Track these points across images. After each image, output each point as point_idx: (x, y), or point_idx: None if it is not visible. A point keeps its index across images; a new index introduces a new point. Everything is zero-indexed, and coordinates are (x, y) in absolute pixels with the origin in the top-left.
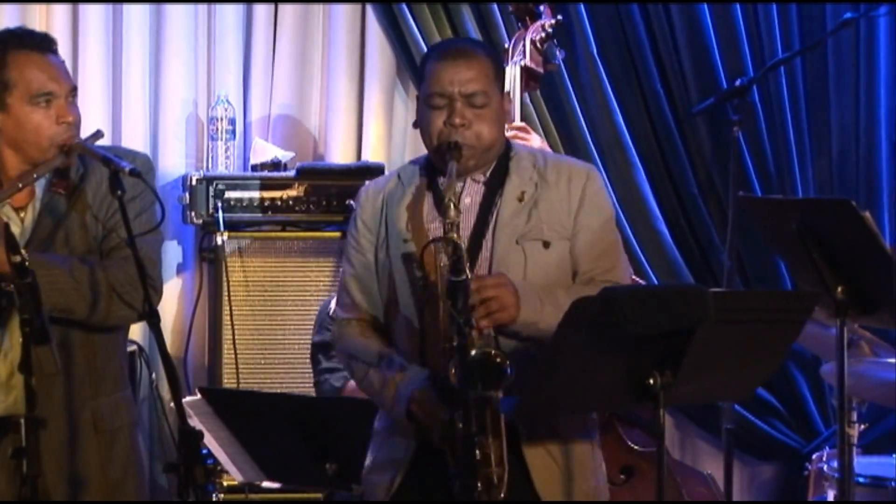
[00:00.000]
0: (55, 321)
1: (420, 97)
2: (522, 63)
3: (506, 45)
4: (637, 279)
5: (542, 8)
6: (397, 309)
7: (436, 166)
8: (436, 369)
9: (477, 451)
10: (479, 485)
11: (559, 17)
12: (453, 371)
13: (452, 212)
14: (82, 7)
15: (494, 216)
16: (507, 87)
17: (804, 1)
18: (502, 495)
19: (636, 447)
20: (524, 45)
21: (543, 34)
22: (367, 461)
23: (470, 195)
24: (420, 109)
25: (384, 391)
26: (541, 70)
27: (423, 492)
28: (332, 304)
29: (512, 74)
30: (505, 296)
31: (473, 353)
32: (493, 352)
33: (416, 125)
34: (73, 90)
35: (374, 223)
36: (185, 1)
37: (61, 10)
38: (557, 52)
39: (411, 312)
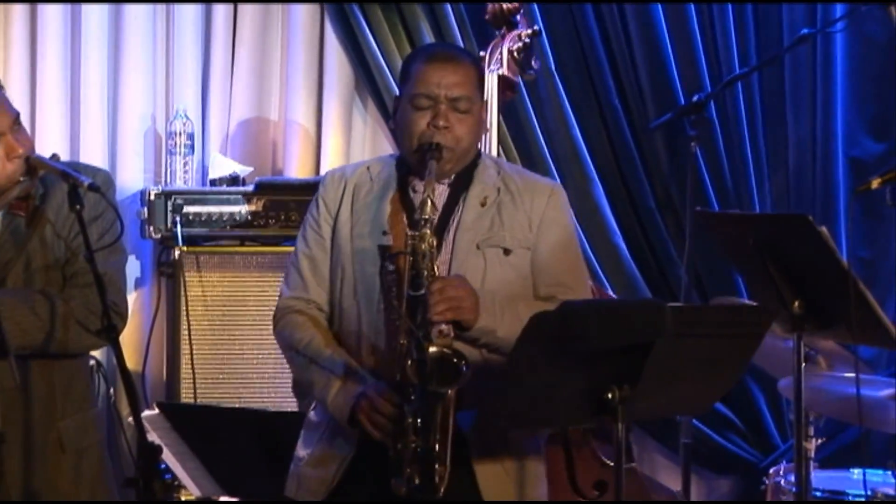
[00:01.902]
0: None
1: (402, 96)
2: (500, 72)
3: (482, 53)
4: (603, 292)
5: (518, 17)
6: (353, 298)
7: (409, 166)
8: (389, 362)
9: (419, 445)
10: (416, 478)
11: (536, 27)
12: (409, 362)
13: (429, 207)
14: (40, 21)
15: (456, 219)
16: (485, 96)
17: (763, 1)
18: (441, 493)
19: (610, 462)
20: (501, 54)
21: (520, 44)
22: (304, 453)
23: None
24: (401, 109)
25: (326, 391)
26: (517, 79)
27: (364, 489)
28: None
29: (489, 83)
30: (465, 297)
31: (432, 350)
32: (450, 350)
33: (391, 124)
34: (17, 118)
35: (334, 206)
36: (144, 1)
37: (19, 26)
38: (534, 62)
39: (370, 303)
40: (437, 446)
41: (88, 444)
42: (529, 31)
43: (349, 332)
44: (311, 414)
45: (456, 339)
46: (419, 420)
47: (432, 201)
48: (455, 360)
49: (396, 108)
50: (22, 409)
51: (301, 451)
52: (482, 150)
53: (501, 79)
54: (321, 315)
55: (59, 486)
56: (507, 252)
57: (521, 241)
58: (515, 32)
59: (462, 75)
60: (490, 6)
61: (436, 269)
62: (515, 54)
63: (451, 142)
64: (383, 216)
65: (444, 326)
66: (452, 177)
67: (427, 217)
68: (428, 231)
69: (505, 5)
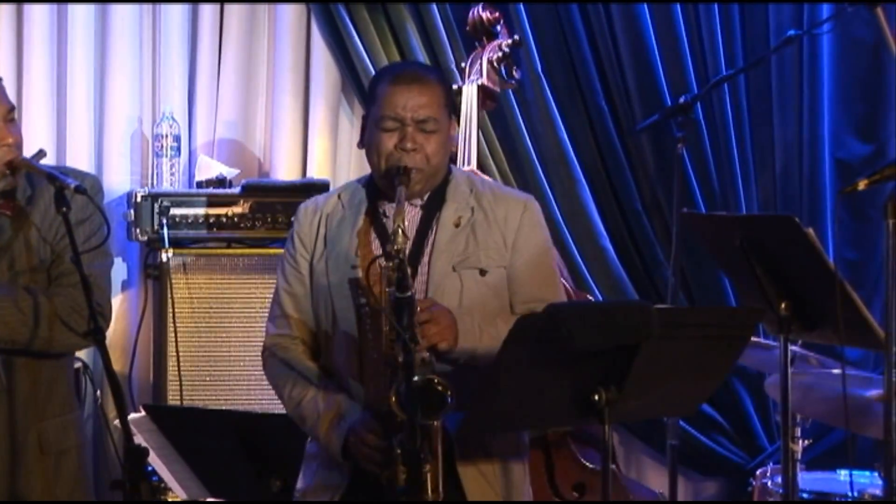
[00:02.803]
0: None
1: (369, 118)
2: (479, 82)
3: (463, 64)
4: (585, 295)
5: (498, 27)
6: (335, 331)
7: (379, 188)
8: (375, 394)
9: (409, 475)
10: None
11: (516, 36)
12: (394, 399)
13: (400, 238)
14: (27, 23)
15: (431, 241)
16: (462, 109)
17: (749, 1)
18: None
19: (589, 464)
20: (481, 64)
21: (500, 53)
22: (301, 485)
23: (407, 219)
24: (369, 130)
25: (317, 427)
26: (497, 89)
27: None
28: None
29: (469, 93)
30: (444, 327)
31: (416, 379)
32: (435, 379)
33: (360, 145)
34: (11, 110)
35: (310, 241)
36: (130, 1)
37: (5, 26)
38: (514, 72)
39: (351, 336)
40: (427, 475)
41: (68, 447)
42: (510, 41)
43: (334, 365)
44: (308, 446)
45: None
46: (408, 451)
47: (403, 231)
48: (440, 389)
49: (364, 128)
50: (6, 409)
51: (300, 484)
52: (461, 158)
53: (481, 88)
54: (307, 350)
55: (35, 488)
56: (483, 273)
57: (497, 261)
58: (496, 42)
59: (428, 96)
60: (470, 17)
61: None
62: (495, 64)
63: (420, 162)
64: (352, 248)
65: (425, 354)
66: (425, 198)
67: (399, 248)
68: (400, 260)
69: (485, 15)
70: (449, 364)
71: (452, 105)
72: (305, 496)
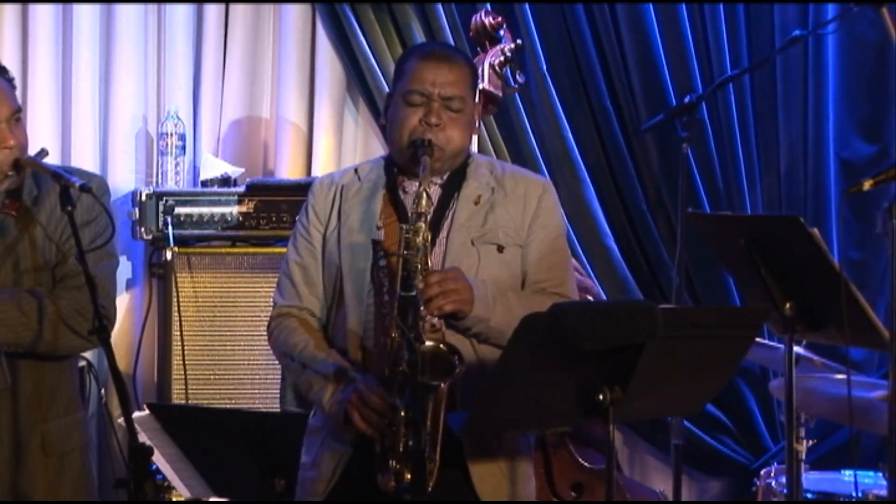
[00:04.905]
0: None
1: (395, 94)
2: (481, 86)
3: None
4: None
5: (501, 32)
6: (342, 301)
7: (398, 165)
8: (377, 358)
9: (409, 441)
10: (405, 474)
11: (519, 41)
12: (405, 357)
13: (424, 201)
14: (31, 22)
15: (450, 217)
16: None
17: (755, 1)
18: (430, 489)
19: (587, 464)
20: (483, 69)
21: (502, 58)
22: (306, 459)
23: None
24: (393, 106)
25: (322, 393)
26: (499, 93)
27: (362, 489)
28: None
29: None
30: (462, 288)
31: (427, 343)
32: (444, 345)
33: (382, 122)
34: (17, 111)
35: (324, 214)
36: (136, 1)
37: (10, 26)
38: (518, 77)
39: (357, 300)
40: (427, 442)
41: (71, 449)
42: (512, 45)
43: (338, 330)
44: (312, 420)
45: (448, 329)
46: (410, 414)
47: (428, 195)
48: (449, 356)
49: (388, 104)
50: (10, 410)
51: (304, 458)
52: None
53: (483, 93)
54: (315, 321)
55: (38, 489)
56: (500, 249)
57: (514, 239)
58: (498, 47)
59: (457, 75)
60: (473, 22)
61: (430, 263)
62: (497, 68)
63: (441, 141)
64: (375, 211)
65: (435, 321)
66: (445, 177)
67: (422, 211)
68: (423, 224)
69: (488, 21)
70: (461, 333)
71: (476, 89)
72: (310, 469)
